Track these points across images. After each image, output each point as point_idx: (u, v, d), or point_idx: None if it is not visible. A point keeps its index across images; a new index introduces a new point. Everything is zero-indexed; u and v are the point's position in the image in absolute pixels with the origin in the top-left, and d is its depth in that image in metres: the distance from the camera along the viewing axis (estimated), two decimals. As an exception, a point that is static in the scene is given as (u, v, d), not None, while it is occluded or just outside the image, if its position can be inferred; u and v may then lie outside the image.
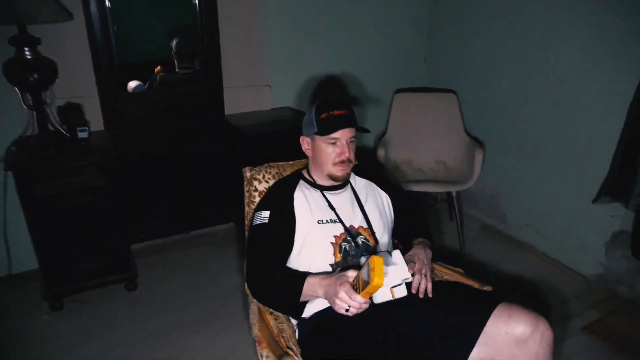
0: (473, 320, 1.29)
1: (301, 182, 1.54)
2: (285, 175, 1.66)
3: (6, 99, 2.23)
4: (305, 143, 1.52)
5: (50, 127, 2.25)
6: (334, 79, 3.13)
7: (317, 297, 1.28)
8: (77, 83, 2.39)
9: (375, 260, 1.15)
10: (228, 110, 2.83)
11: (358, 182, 1.59)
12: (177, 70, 2.81)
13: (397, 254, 1.33)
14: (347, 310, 1.19)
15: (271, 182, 1.65)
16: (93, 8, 2.30)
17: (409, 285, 1.32)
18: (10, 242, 2.48)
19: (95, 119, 2.47)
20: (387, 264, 1.27)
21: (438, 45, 3.32)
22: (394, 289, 1.27)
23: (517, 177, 2.85)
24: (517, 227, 2.90)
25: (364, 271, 1.19)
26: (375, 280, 1.13)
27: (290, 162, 1.74)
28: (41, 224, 2.16)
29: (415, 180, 2.74)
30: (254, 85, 2.89)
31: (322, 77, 3.09)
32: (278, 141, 2.34)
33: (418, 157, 2.98)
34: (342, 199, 1.51)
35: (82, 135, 2.15)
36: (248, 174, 1.66)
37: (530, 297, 2.37)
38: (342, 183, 1.52)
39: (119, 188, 2.38)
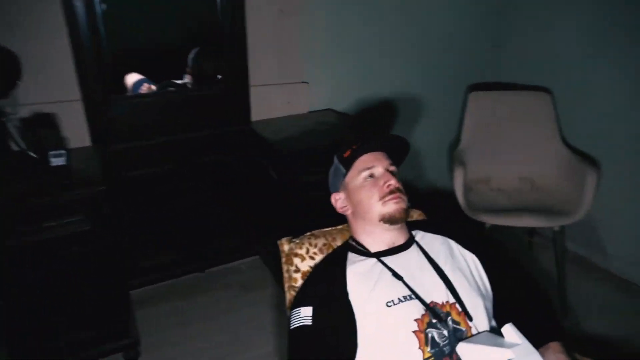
0: None
1: (349, 254, 1.15)
2: (335, 247, 1.25)
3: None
4: (338, 202, 1.19)
5: (14, 146, 1.61)
6: (385, 72, 2.47)
7: None
8: (48, 84, 1.73)
9: None
10: (256, 115, 2.17)
11: (428, 239, 1.17)
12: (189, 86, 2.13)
13: (510, 329, 0.97)
14: None
15: (318, 259, 1.23)
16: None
17: None
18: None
19: (79, 132, 1.82)
20: (501, 345, 0.94)
21: (518, 28, 2.62)
22: None
23: (629, 200, 2.21)
24: (624, 263, 2.27)
25: None
26: None
27: (339, 227, 1.32)
28: (4, 286, 1.53)
29: (503, 210, 2.08)
30: (288, 83, 2.23)
31: (371, 70, 2.44)
32: (321, 158, 1.68)
33: (498, 174, 2.33)
34: (408, 264, 1.10)
35: (57, 162, 1.50)
36: (286, 248, 1.25)
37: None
38: (403, 243, 1.13)
39: (113, 229, 1.73)
